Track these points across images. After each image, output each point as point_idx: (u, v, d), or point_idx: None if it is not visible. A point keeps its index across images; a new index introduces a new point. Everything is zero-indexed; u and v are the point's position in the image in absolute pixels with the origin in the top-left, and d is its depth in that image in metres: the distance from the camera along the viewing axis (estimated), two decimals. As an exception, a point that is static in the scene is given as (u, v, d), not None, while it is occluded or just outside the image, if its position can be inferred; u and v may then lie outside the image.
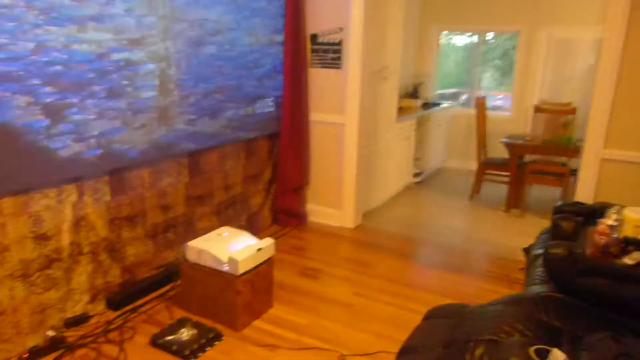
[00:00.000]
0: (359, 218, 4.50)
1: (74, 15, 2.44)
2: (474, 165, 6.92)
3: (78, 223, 2.70)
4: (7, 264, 2.38)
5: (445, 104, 6.62)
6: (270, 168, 4.27)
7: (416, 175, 5.97)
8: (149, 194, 3.10)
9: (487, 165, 5.49)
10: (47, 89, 2.39)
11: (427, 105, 6.29)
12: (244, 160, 3.92)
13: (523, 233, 4.46)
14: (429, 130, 6.18)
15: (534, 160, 5.08)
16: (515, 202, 5.23)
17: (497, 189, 5.92)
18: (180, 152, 3.24)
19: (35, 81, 2.33)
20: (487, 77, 8.07)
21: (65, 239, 2.64)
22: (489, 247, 4.12)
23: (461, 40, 7.81)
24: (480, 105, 5.48)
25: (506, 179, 5.33)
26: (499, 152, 6.63)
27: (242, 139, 3.81)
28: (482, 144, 5.51)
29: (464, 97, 7.63)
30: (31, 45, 2.29)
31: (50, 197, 2.54)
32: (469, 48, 8.09)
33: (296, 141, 4.21)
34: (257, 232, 4.10)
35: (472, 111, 7.02)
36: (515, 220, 4.88)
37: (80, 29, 2.48)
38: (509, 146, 5.18)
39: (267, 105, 3.98)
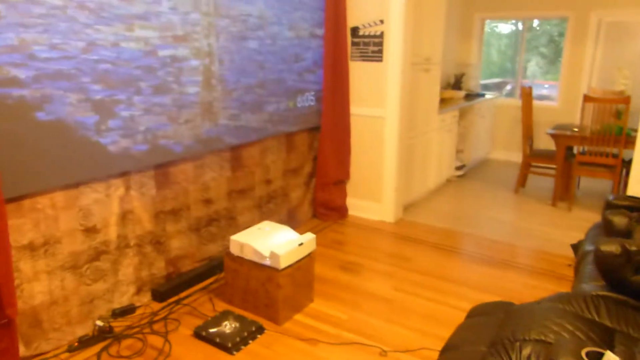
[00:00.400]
0: (399, 212, 4.46)
1: (122, 14, 2.51)
2: (519, 157, 6.74)
3: (125, 216, 2.78)
4: (59, 256, 2.48)
5: (489, 95, 6.45)
6: (310, 162, 4.28)
7: (459, 168, 5.85)
8: (193, 188, 3.17)
9: (533, 157, 5.32)
10: (97, 86, 2.47)
11: (470, 96, 6.14)
12: (284, 154, 3.95)
13: (571, 228, 4.31)
14: (472, 122, 6.04)
15: (583, 152, 4.89)
16: (563, 195, 5.06)
17: (543, 181, 5.74)
18: (223, 146, 3.29)
19: (86, 79, 2.41)
20: (533, 66, 7.81)
21: (113, 232, 2.73)
22: (535, 242, 4.01)
23: (505, 27, 7.58)
24: (526, 95, 5.31)
25: (553, 172, 5.15)
26: (545, 143, 6.42)
27: (283, 133, 3.84)
28: (528, 135, 5.35)
29: (508, 87, 7.42)
30: (82, 44, 2.37)
31: (99, 191, 2.63)
32: (513, 35, 7.84)
33: (337, 134, 4.20)
34: (297, 225, 4.13)
35: (517, 101, 6.82)
36: (563, 215, 4.72)
37: (128, 28, 2.55)
38: (556, 137, 5.00)
39: (307, 99, 3.99)
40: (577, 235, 4.11)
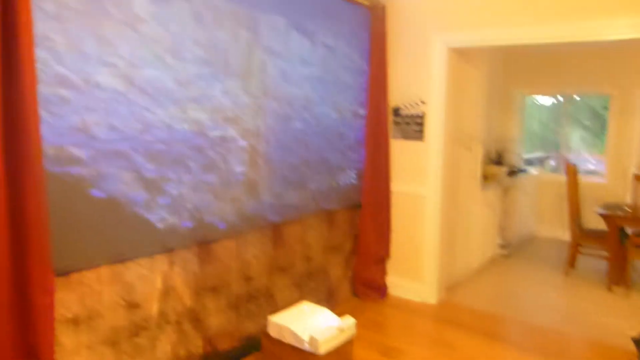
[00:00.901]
0: (441, 293, 4.30)
1: (178, 98, 2.65)
2: (566, 235, 6.48)
3: (167, 292, 2.79)
4: (100, 331, 2.48)
5: (532, 170, 6.34)
6: (351, 239, 4.25)
7: (503, 246, 5.67)
8: (234, 265, 3.17)
9: (582, 238, 5.10)
10: (150, 165, 2.57)
11: (512, 172, 6.06)
12: (325, 231, 3.94)
13: (630, 316, 4.03)
14: (515, 198, 5.91)
15: (639, 234, 4.66)
16: (618, 279, 4.77)
17: (595, 262, 5.46)
18: (266, 223, 3.31)
19: (140, 158, 2.52)
20: (576, 138, 7.68)
21: (154, 308, 2.73)
22: (591, 331, 3.75)
23: (545, 98, 7.56)
24: (572, 172, 5.19)
25: (605, 253, 4.90)
26: (595, 221, 6.18)
27: (324, 210, 3.85)
28: (575, 214, 5.17)
29: (552, 162, 7.30)
30: (139, 125, 2.49)
31: (144, 266, 2.66)
32: (554, 107, 7.80)
33: (377, 212, 4.18)
34: (336, 304, 4.03)
35: (561, 177, 6.66)
36: (620, 301, 4.43)
37: (182, 110, 2.68)
38: (607, 218, 4.80)
39: (349, 177, 4.02)
40: (638, 326, 3.82)
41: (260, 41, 3.09)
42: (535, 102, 7.44)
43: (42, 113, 2.11)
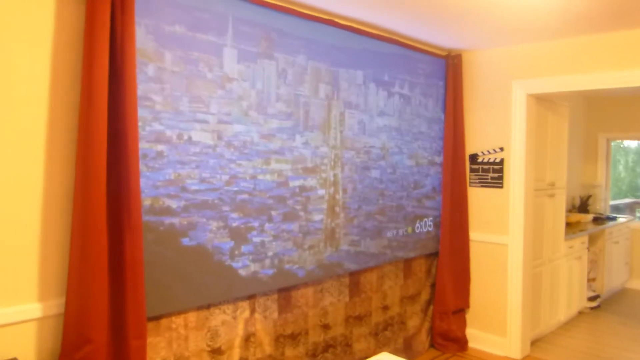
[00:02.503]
0: (526, 347, 4.05)
1: (261, 150, 2.78)
2: (664, 290, 5.97)
3: (248, 339, 2.84)
4: (187, 376, 2.56)
5: (621, 218, 5.95)
6: (428, 288, 4.14)
7: (591, 299, 5.29)
8: (312, 313, 3.19)
9: (683, 292, 4.68)
10: (235, 214, 2.69)
11: (599, 220, 5.71)
12: (402, 280, 3.88)
13: None
14: (604, 248, 5.54)
15: None
16: None
17: (699, 321, 4.96)
18: (343, 272, 3.32)
19: (226, 208, 2.65)
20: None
21: (236, 355, 2.78)
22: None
23: (632, 142, 7.15)
24: (668, 221, 4.82)
25: None
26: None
27: (401, 259, 3.80)
28: (674, 266, 4.76)
29: (643, 209, 6.82)
30: (226, 177, 2.63)
31: (227, 312, 2.74)
32: (642, 152, 7.35)
33: (455, 261, 4.07)
34: (414, 356, 3.91)
35: (655, 226, 6.20)
36: None
37: (265, 162, 2.80)
38: None
39: (426, 225, 3.97)
40: None
41: (339, 94, 3.21)
42: (621, 146, 7.06)
43: (141, 167, 2.30)
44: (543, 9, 2.98)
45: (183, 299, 2.49)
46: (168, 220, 2.42)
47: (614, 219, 5.83)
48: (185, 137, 2.46)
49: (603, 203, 6.43)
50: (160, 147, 2.37)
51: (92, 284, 2.07)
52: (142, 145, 2.30)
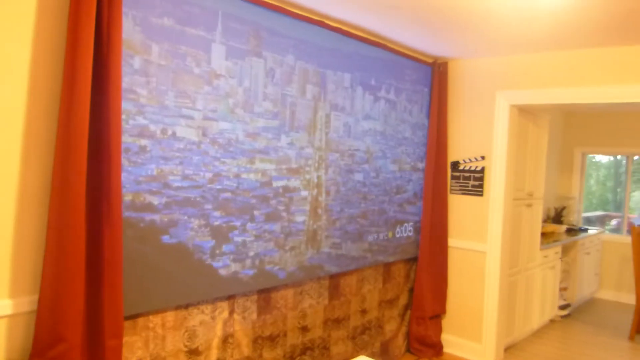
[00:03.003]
0: (500, 354, 4.10)
1: (246, 149, 2.74)
2: (631, 298, 6.12)
3: (226, 340, 2.79)
4: (163, 377, 2.50)
5: (592, 230, 6.09)
6: (406, 293, 4.16)
7: (563, 307, 5.39)
8: (291, 315, 3.15)
9: (650, 303, 4.81)
10: (217, 213, 2.64)
11: (572, 231, 5.83)
12: (381, 284, 3.88)
13: None
14: (576, 258, 5.66)
15: None
16: (692, 350, 4.44)
17: (665, 331, 5.10)
18: (323, 274, 3.30)
19: (208, 206, 2.60)
20: (636, 197, 7.37)
21: (213, 355, 2.73)
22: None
23: (603, 157, 7.35)
24: (637, 234, 4.94)
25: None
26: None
27: (380, 263, 3.80)
28: (642, 277, 4.89)
29: (614, 222, 6.99)
30: (209, 175, 2.59)
31: (206, 312, 2.69)
32: (612, 165, 7.55)
33: (434, 267, 4.10)
34: (390, 360, 3.91)
35: (624, 238, 6.37)
36: (696, 375, 4.10)
37: (250, 161, 2.77)
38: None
39: (406, 230, 3.99)
40: None
41: (326, 96, 3.19)
42: (593, 160, 7.24)
43: (123, 161, 2.24)
44: (531, 23, 3.02)
45: (161, 298, 2.44)
46: (149, 216, 2.36)
47: (586, 230, 5.96)
48: (170, 132, 2.41)
49: (576, 215, 6.58)
50: (143, 142, 2.31)
51: (68, 281, 2.00)
52: (125, 139, 2.24)
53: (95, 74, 2.09)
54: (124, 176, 2.24)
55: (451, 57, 4.13)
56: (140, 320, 2.41)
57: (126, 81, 2.22)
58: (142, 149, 2.32)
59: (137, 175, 2.30)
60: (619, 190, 7.70)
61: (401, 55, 3.78)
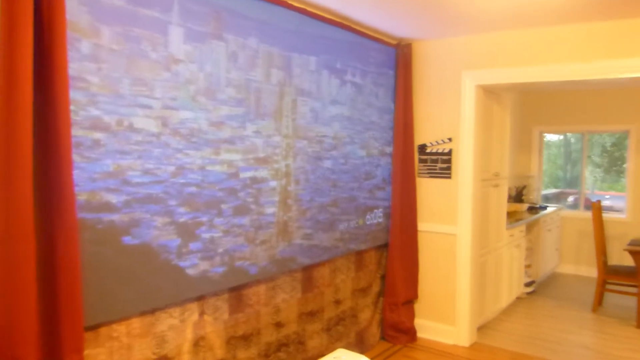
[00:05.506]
0: (474, 335, 4.11)
1: (211, 139, 2.56)
2: (589, 271, 6.33)
3: (197, 343, 2.63)
4: (131, 388, 2.32)
5: (552, 207, 6.23)
6: (378, 280, 4.09)
7: (528, 284, 5.49)
8: (264, 311, 3.02)
9: (609, 274, 4.97)
10: (182, 209, 2.46)
11: (533, 209, 5.94)
12: (353, 273, 3.79)
13: (672, 359, 3.85)
14: (539, 235, 5.77)
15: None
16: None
17: (622, 299, 5.30)
18: (296, 266, 3.17)
19: (172, 202, 2.41)
20: (587, 175, 7.64)
21: (185, 360, 2.56)
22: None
23: (553, 136, 7.55)
24: (597, 209, 5.08)
25: (634, 289, 4.77)
26: (618, 257, 6.03)
27: (352, 251, 3.71)
28: (601, 250, 5.03)
29: (571, 199, 7.20)
30: (172, 168, 2.40)
31: (174, 316, 2.51)
32: (562, 144, 7.77)
33: (405, 252, 4.04)
34: (366, 349, 3.84)
35: (581, 213, 6.57)
36: (653, 340, 4.27)
37: (215, 152, 2.59)
38: (635, 254, 4.67)
39: (376, 216, 3.91)
40: (683, 369, 3.64)
41: (292, 81, 3.04)
42: (544, 139, 7.42)
43: (75, 157, 2.02)
44: (494, 2, 2.96)
45: (126, 304, 2.24)
46: (107, 217, 2.16)
47: (546, 208, 6.09)
48: (126, 123, 2.20)
49: (536, 193, 6.72)
50: (97, 135, 2.10)
51: (18, 295, 1.78)
52: (76, 133, 2.02)
53: (36, 60, 1.85)
54: (76, 174, 2.02)
55: (415, 38, 4.04)
56: (103, 330, 2.21)
57: (74, 68, 1.99)
58: (96, 142, 2.10)
59: (91, 172, 2.09)
60: (569, 167, 7.93)
61: (366, 37, 3.66)
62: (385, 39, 3.92)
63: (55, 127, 1.89)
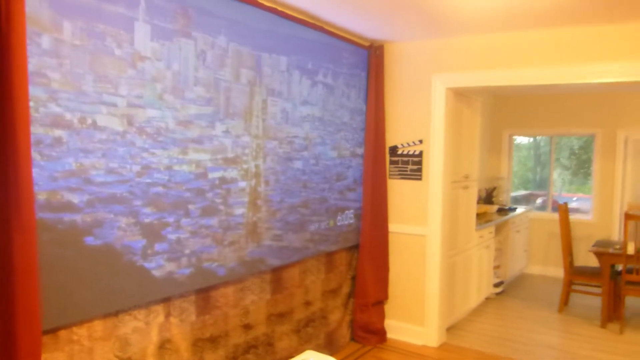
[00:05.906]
0: (442, 335, 4.15)
1: (178, 138, 2.52)
2: (556, 272, 6.47)
3: (163, 346, 2.58)
4: (92, 393, 2.26)
5: (520, 209, 6.34)
6: (349, 281, 4.09)
7: (497, 284, 5.58)
8: (233, 313, 2.98)
9: (575, 275, 5.09)
10: (147, 209, 2.41)
11: (502, 211, 6.04)
12: (323, 274, 3.78)
13: (627, 354, 3.98)
14: (508, 237, 5.87)
15: (630, 270, 4.63)
16: (612, 315, 4.75)
17: (588, 299, 5.43)
18: (265, 268, 3.15)
19: (137, 202, 2.36)
20: (555, 177, 7.82)
21: (149, 364, 2.51)
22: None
23: (523, 138, 7.70)
24: (563, 211, 5.19)
25: (598, 289, 4.90)
26: (583, 258, 6.18)
27: (323, 253, 3.70)
28: (567, 252, 5.15)
29: (539, 200, 7.34)
30: (137, 168, 2.35)
31: (139, 318, 2.46)
32: (532, 147, 7.93)
33: (375, 253, 4.05)
34: (336, 350, 3.84)
35: (549, 215, 6.70)
36: (616, 338, 4.38)
37: (182, 151, 2.55)
38: (600, 255, 4.79)
39: (347, 217, 3.91)
40: (642, 366, 3.75)
41: (262, 80, 3.01)
42: (515, 142, 7.57)
43: (34, 155, 1.96)
44: (463, 4, 2.99)
45: (87, 306, 2.18)
46: (69, 217, 2.10)
47: (515, 209, 6.20)
48: (89, 121, 2.14)
49: (505, 195, 6.83)
50: (58, 133, 2.04)
51: (-28, 296, 1.72)
52: (35, 130, 1.96)
53: (-6, 54, 1.79)
54: (36, 172, 1.96)
55: (387, 40, 4.06)
56: (63, 333, 2.15)
57: (33, 63, 1.93)
58: (57, 140, 2.04)
59: (52, 170, 2.03)
60: (538, 169, 8.10)
61: (338, 38, 3.66)
62: (358, 41, 3.93)
63: (12, 124, 1.82)
